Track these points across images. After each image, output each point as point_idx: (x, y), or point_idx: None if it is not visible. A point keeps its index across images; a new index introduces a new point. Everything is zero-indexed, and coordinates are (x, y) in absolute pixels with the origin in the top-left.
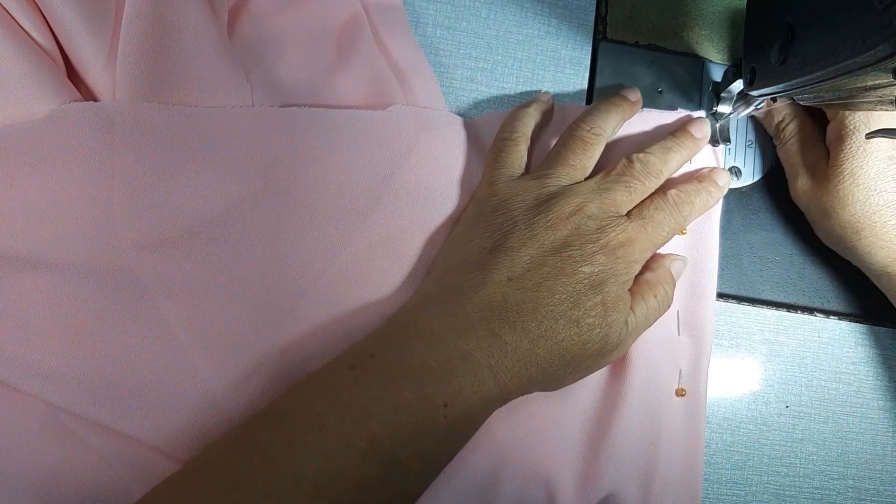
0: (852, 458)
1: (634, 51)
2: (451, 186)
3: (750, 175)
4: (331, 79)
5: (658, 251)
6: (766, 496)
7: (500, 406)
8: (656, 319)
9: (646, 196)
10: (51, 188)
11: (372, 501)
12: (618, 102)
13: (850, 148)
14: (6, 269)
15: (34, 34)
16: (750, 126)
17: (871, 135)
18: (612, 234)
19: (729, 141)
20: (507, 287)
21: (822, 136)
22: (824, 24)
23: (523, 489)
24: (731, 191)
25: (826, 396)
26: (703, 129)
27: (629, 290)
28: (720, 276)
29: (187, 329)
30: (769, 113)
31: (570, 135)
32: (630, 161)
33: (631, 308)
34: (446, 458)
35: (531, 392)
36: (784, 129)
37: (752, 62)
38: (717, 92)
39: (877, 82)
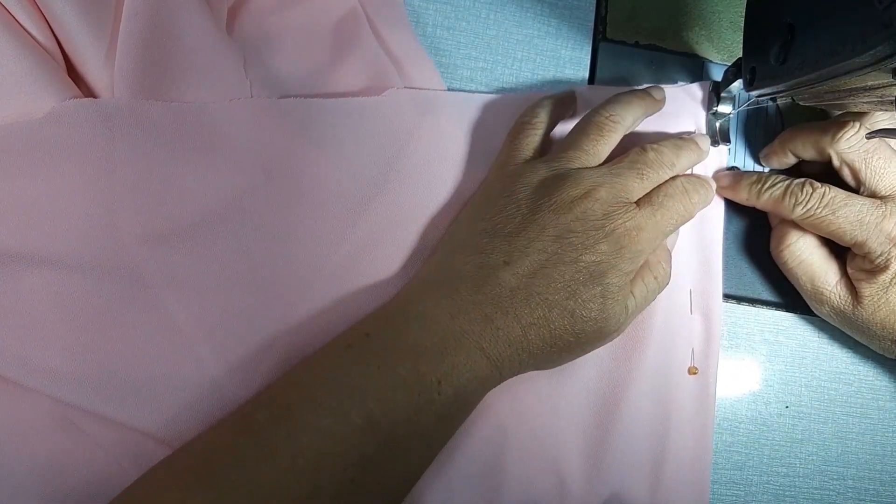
0: (852, 458)
1: (634, 51)
2: (452, 170)
3: None
4: (330, 73)
5: None
6: (765, 496)
7: (495, 386)
8: (655, 298)
9: (655, 186)
10: (52, 186)
11: (371, 479)
12: (642, 95)
13: (883, 281)
14: (9, 267)
15: (34, 33)
16: (750, 126)
17: (871, 135)
18: (619, 221)
19: (729, 141)
20: (504, 272)
21: (830, 246)
22: (824, 25)
23: (531, 473)
24: None
25: (826, 396)
26: (706, 145)
27: None
28: None
29: (193, 322)
30: (777, 231)
31: (587, 120)
32: (644, 150)
33: (632, 292)
34: (443, 437)
35: (525, 372)
36: (793, 246)
37: (751, 62)
38: (717, 92)
39: (877, 82)
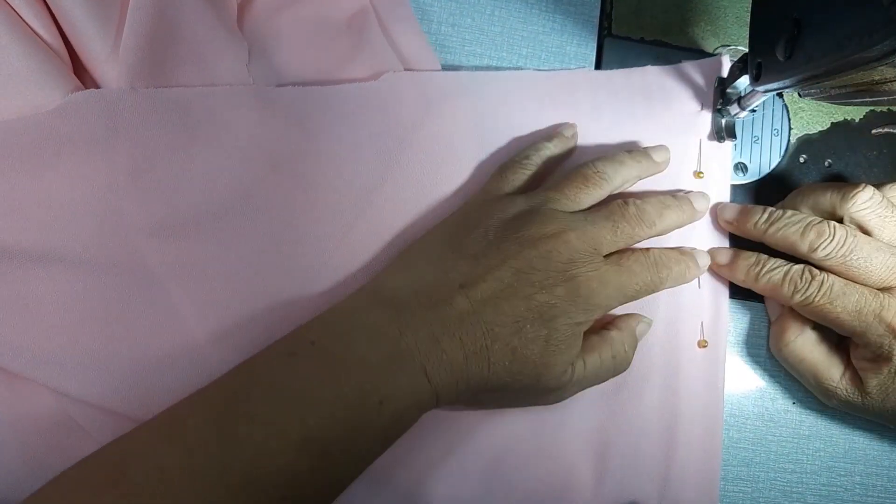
0: (859, 454)
1: (640, 46)
2: (455, 158)
3: (756, 171)
4: (338, 72)
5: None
6: (773, 493)
7: (429, 410)
8: (608, 379)
9: (631, 244)
10: (56, 179)
11: (301, 495)
12: (639, 158)
13: (890, 371)
14: (13, 262)
15: (41, 31)
16: (756, 122)
17: (878, 131)
18: (583, 269)
19: (735, 137)
20: (458, 294)
21: (831, 340)
22: (830, 19)
23: (539, 445)
24: (738, 187)
25: None
26: (704, 203)
27: (590, 339)
28: None
29: (196, 313)
30: (776, 329)
31: (575, 169)
32: (625, 203)
33: (584, 358)
34: (374, 457)
35: (456, 405)
36: (792, 345)
37: (757, 57)
38: (722, 88)
39: (883, 77)
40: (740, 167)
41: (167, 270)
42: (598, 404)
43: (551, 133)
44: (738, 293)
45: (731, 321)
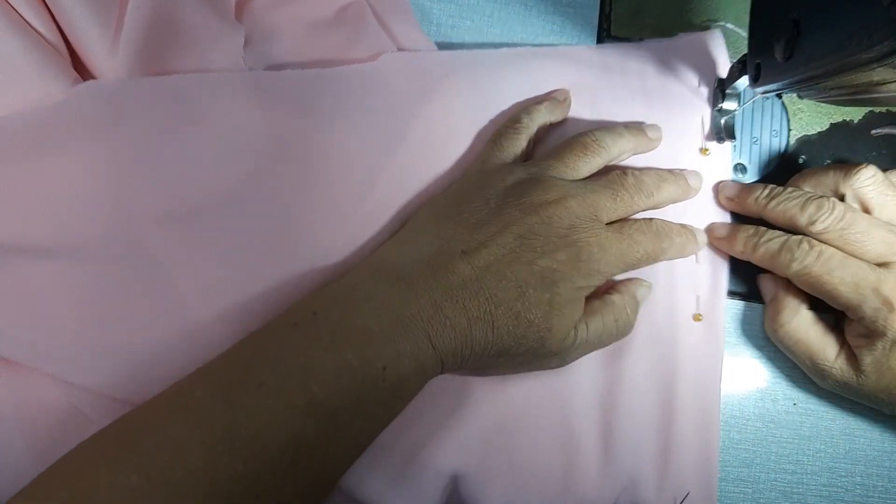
0: (860, 455)
1: None
2: (458, 140)
3: (755, 172)
4: (337, 64)
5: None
6: (773, 493)
7: (436, 376)
8: (610, 343)
9: (630, 214)
10: (59, 171)
11: (308, 461)
12: (634, 132)
13: (883, 347)
14: (20, 255)
15: (40, 29)
16: (755, 123)
17: (878, 131)
18: (584, 234)
19: (734, 138)
20: (460, 260)
21: (826, 321)
22: (830, 20)
23: (541, 420)
24: None
25: (834, 393)
26: (697, 181)
27: (592, 304)
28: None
29: (202, 300)
30: (770, 310)
31: (574, 138)
32: (624, 172)
33: (586, 322)
34: (381, 424)
35: (462, 371)
36: (787, 326)
37: (756, 58)
38: (722, 88)
39: (883, 78)
40: (739, 168)
41: (171, 257)
42: (600, 374)
43: (543, 97)
44: (739, 293)
45: (732, 322)
